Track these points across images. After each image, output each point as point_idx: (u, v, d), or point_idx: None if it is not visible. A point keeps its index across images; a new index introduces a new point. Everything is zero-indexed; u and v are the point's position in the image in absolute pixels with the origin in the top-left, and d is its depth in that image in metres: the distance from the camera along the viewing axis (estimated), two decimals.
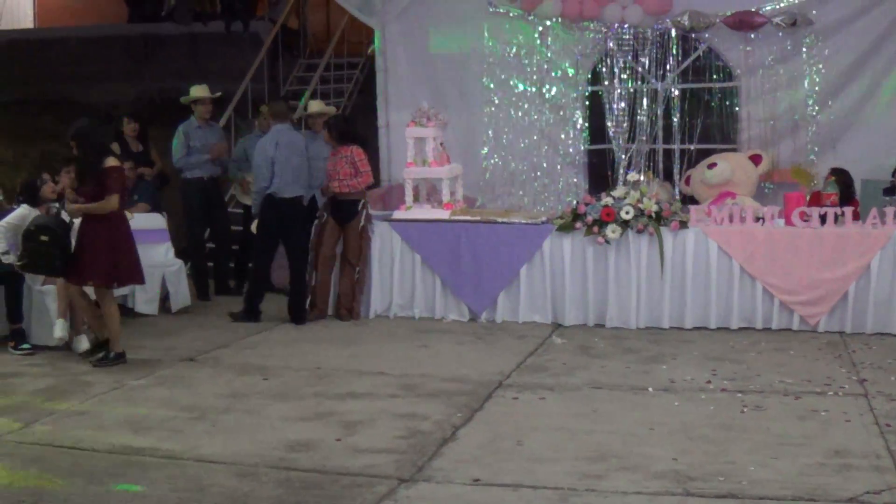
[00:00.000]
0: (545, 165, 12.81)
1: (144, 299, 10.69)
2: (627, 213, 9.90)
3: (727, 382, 8.01)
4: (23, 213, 9.16)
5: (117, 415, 7.27)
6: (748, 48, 12.06)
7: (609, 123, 12.62)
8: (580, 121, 12.78)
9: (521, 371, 8.49)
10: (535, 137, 12.81)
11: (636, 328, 9.97)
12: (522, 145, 12.83)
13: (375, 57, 13.46)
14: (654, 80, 12.45)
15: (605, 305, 10.08)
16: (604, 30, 12.45)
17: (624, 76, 12.55)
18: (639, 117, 12.50)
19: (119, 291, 9.74)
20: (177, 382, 8.20)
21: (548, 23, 12.53)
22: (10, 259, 9.04)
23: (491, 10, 12.68)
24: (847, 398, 7.56)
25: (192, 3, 18.90)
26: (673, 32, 12.28)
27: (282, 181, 10.28)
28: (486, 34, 12.75)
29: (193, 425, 7.03)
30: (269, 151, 10.29)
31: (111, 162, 8.70)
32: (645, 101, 12.50)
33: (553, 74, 12.72)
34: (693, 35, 12.27)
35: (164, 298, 10.99)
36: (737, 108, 12.30)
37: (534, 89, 12.76)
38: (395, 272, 10.59)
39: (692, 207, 10.22)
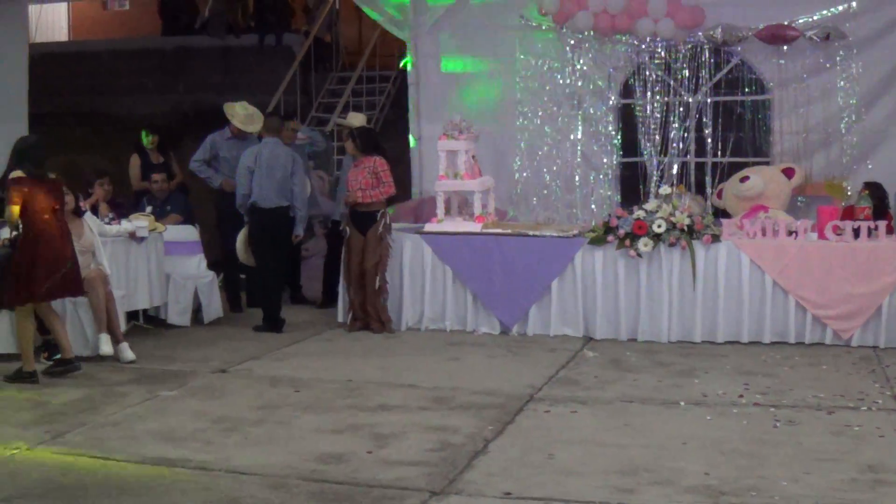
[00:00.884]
0: (577, 178, 12.80)
1: (177, 311, 10.78)
2: (659, 226, 9.88)
3: (760, 397, 7.96)
4: None
5: (149, 426, 7.29)
6: (781, 61, 12.02)
7: (641, 137, 12.61)
8: (612, 134, 12.78)
9: (553, 384, 8.48)
10: (567, 150, 12.80)
11: (668, 342, 9.94)
12: (554, 158, 12.83)
13: (407, 70, 13.52)
14: (686, 94, 12.43)
15: (637, 319, 10.06)
16: (636, 43, 12.46)
17: (656, 89, 12.54)
18: (671, 131, 12.49)
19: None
20: (209, 394, 8.23)
21: (580, 36, 12.53)
22: None
23: (523, 22, 12.71)
24: (880, 413, 7.51)
25: (225, 17, 19.09)
26: (705, 46, 12.26)
27: (261, 192, 10.63)
28: (517, 47, 12.79)
29: (225, 437, 7.05)
30: (249, 163, 10.69)
31: (16, 174, 8.53)
32: (677, 115, 12.48)
33: (585, 87, 12.72)
34: (725, 48, 12.25)
35: (197, 310, 11.05)
36: (769, 122, 12.26)
37: (566, 103, 12.76)
38: (426, 285, 10.60)
39: (724, 221, 10.17)
